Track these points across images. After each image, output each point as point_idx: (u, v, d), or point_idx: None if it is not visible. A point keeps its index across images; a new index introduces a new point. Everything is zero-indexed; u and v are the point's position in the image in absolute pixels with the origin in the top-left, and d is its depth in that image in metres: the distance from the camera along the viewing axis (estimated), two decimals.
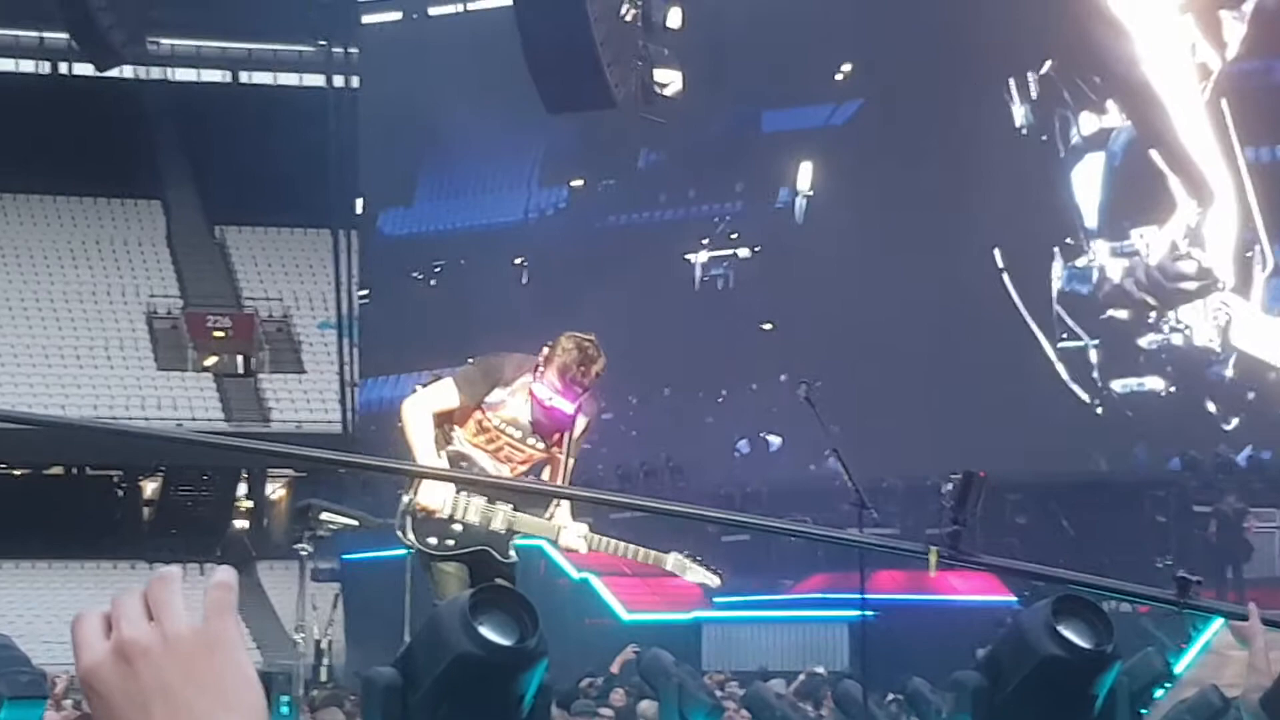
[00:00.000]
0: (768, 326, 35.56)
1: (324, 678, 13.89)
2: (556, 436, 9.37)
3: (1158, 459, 30.58)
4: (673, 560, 9.49)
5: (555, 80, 30.40)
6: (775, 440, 34.18)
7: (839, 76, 35.76)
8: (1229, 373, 30.63)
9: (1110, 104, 32.11)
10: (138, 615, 1.70)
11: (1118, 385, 31.65)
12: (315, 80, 45.09)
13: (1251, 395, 30.45)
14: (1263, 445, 29.69)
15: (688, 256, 37.48)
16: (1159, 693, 15.43)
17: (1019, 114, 32.86)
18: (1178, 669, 15.30)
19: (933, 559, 8.28)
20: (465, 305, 37.55)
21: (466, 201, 42.03)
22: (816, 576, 27.25)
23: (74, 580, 42.84)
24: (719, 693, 17.69)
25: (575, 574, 27.03)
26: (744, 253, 37.27)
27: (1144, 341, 31.32)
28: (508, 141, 38.50)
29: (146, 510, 50.05)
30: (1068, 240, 32.14)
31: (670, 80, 31.59)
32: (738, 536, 26.72)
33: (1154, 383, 31.32)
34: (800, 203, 35.97)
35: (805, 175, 35.90)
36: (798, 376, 31.37)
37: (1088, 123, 32.24)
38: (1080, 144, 32.33)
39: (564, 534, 9.31)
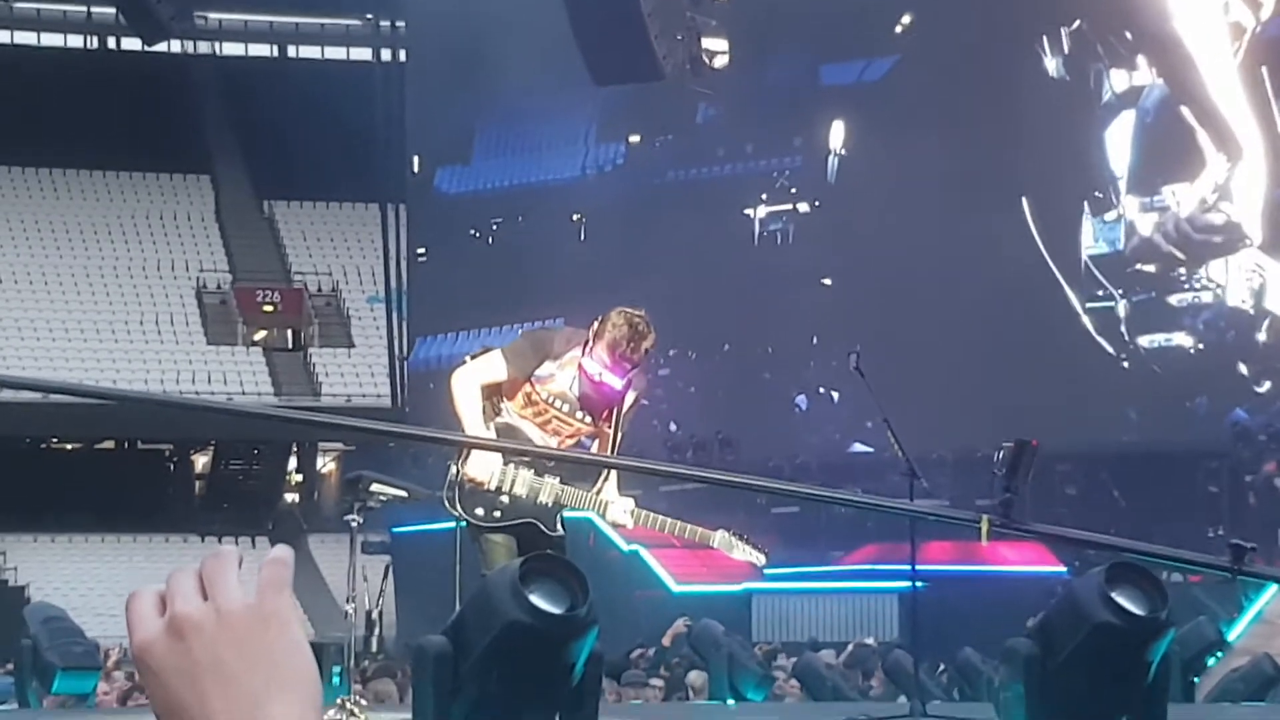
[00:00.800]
0: (827, 281, 35.51)
1: (375, 648, 13.93)
2: (605, 412, 9.35)
3: (1212, 415, 30.33)
4: (719, 538, 9.46)
5: (603, 53, 30.42)
6: (835, 395, 34.17)
7: (899, 29, 35.55)
8: (1262, 336, 30.34)
9: (1141, 60, 31.92)
10: (192, 591, 1.70)
11: (1145, 341, 31.41)
12: (362, 54, 45.14)
13: None
14: None
15: (746, 211, 37.27)
16: (1211, 661, 15.42)
17: (1052, 67, 32.67)
18: (1230, 637, 15.27)
19: (984, 528, 8.25)
20: (523, 262, 37.53)
21: (524, 159, 41.89)
22: (866, 547, 27.21)
23: (125, 554, 43.06)
24: (770, 663, 17.70)
25: (625, 545, 27.03)
26: (804, 207, 37.08)
27: (1174, 299, 31.07)
28: (564, 98, 38.31)
29: (198, 484, 50.24)
30: (1097, 194, 31.94)
31: (719, 50, 31.51)
32: (787, 508, 26.70)
33: (1182, 339, 31.06)
34: (832, 161, 35.86)
35: (837, 134, 35.75)
36: (854, 336, 31.46)
37: (1119, 80, 32.09)
38: (1113, 101, 32.13)
39: (610, 509, 9.29)
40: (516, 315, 32.32)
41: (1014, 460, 7.78)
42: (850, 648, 21.49)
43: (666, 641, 18.13)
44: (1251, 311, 30.48)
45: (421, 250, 42.53)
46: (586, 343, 9.17)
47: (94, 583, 41.03)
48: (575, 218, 39.76)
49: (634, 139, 39.91)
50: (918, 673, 12.88)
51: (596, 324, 9.15)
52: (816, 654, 19.20)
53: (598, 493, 9.31)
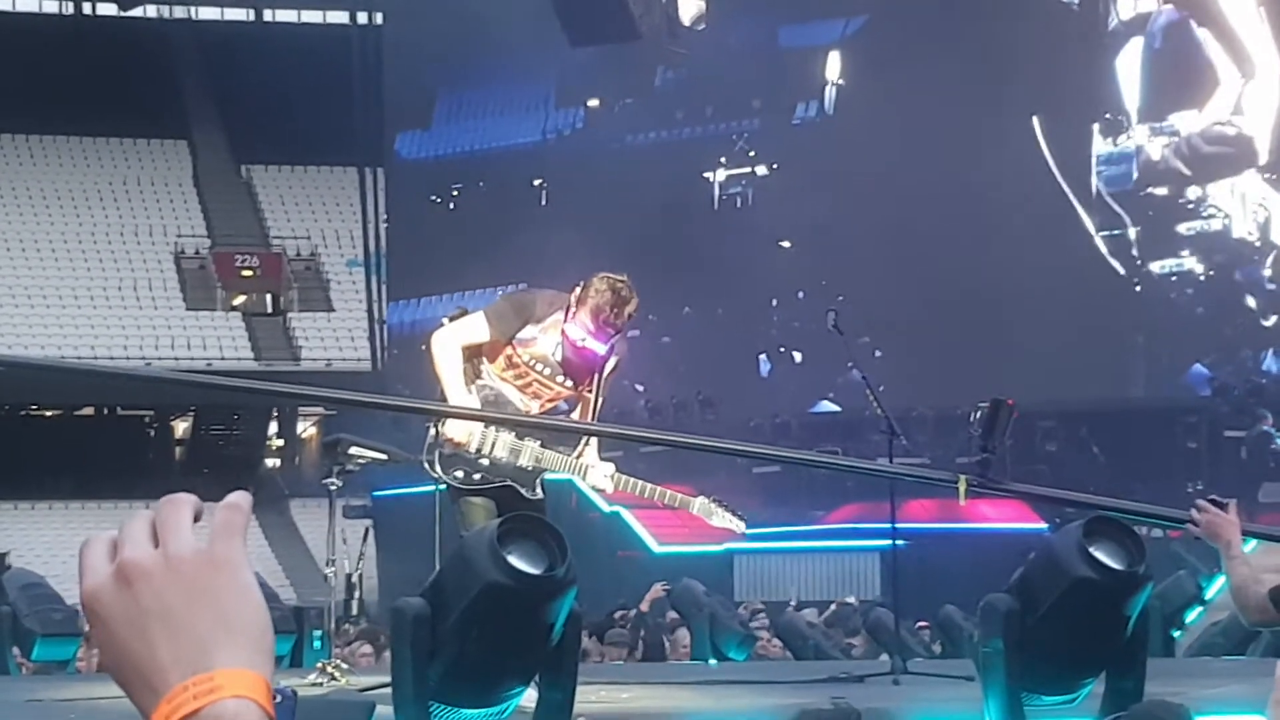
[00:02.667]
0: (786, 244, 35.10)
1: (355, 612, 13.91)
2: (587, 378, 9.35)
3: (1189, 358, 30.39)
4: (699, 504, 9.49)
5: (579, 14, 30.35)
6: (797, 355, 34.07)
7: None
8: (1268, 271, 30.23)
9: None
10: (143, 538, 1.69)
11: (1156, 267, 31.27)
12: (339, 17, 44.95)
13: None
14: None
15: (706, 175, 36.96)
16: (1191, 615, 15.47)
17: None
18: (1209, 593, 15.31)
19: (962, 487, 8.29)
20: (485, 228, 37.32)
21: (484, 123, 41.47)
22: (847, 506, 27.24)
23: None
24: (751, 622, 17.72)
25: (606, 507, 27.06)
26: (762, 170, 36.75)
27: (1182, 227, 30.82)
28: (522, 62, 38.20)
29: (178, 450, 50.23)
30: (1107, 115, 31.68)
31: (695, 10, 31.44)
32: (768, 468, 26.70)
33: (1192, 264, 30.92)
34: (830, 92, 35.44)
35: (834, 65, 35.35)
36: (820, 295, 31.32)
37: (1125, 7, 31.76)
38: (1120, 29, 31.83)
39: (591, 473, 9.30)
40: (480, 282, 32.14)
41: (990, 420, 7.82)
42: (833, 606, 21.54)
43: (644, 606, 18.15)
44: (1258, 243, 30.37)
45: (384, 216, 42.33)
46: (569, 308, 9.16)
47: (74, 549, 40.45)
48: (536, 183, 39.52)
49: (593, 103, 39.54)
50: (899, 630, 12.91)
51: (579, 289, 9.14)
52: (799, 613, 19.23)
53: (578, 456, 9.32)
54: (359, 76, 39.60)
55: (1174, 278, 31.19)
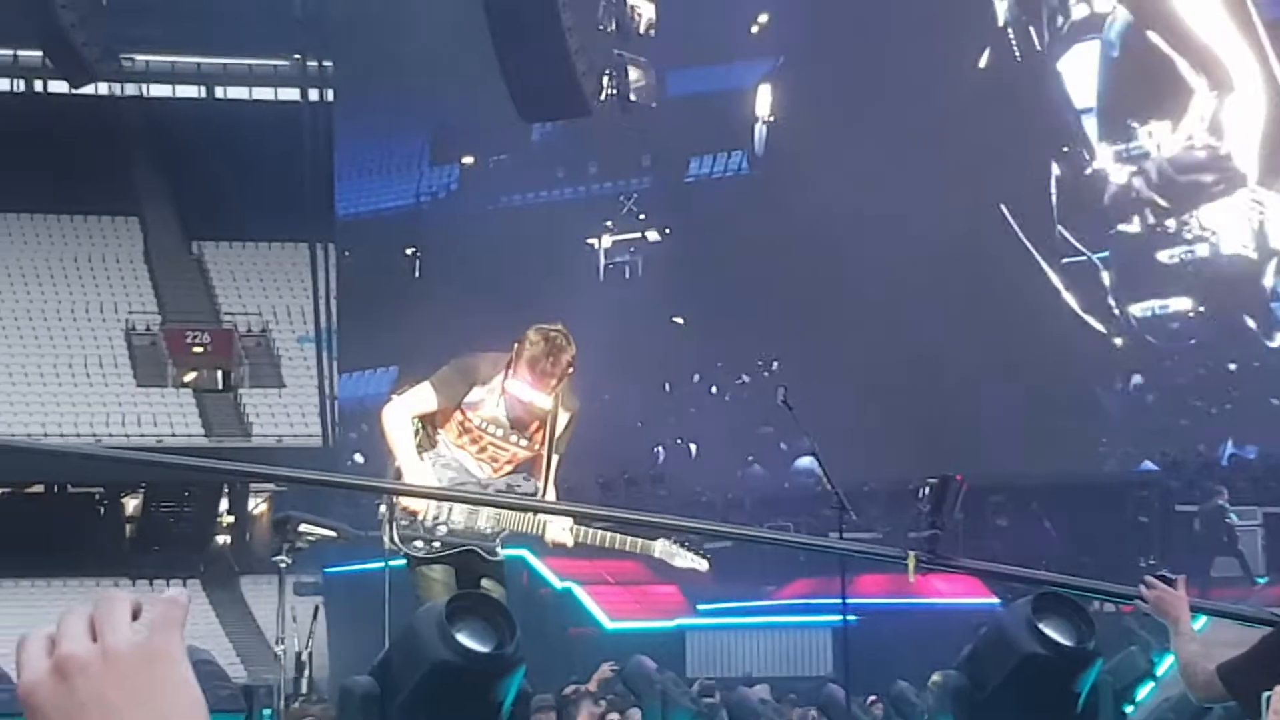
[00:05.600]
0: (679, 320, 31.93)
1: (305, 690, 13.83)
2: (539, 435, 9.34)
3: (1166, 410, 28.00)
4: (660, 546, 9.49)
5: (530, 89, 30.39)
6: (693, 447, 31.00)
7: (755, 29, 32.20)
8: (1268, 281, 27.80)
9: None
10: (80, 632, 1.70)
11: (1137, 310, 28.70)
12: (290, 94, 44.96)
13: None
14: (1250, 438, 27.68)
15: (590, 241, 33.74)
16: (1143, 691, 15.46)
17: (1001, 9, 29.86)
18: (1161, 668, 15.31)
19: (911, 564, 8.28)
20: (357, 302, 35.03)
21: (357, 184, 38.83)
22: (799, 582, 27.19)
23: (56, 598, 42.65)
24: (704, 698, 17.65)
25: (558, 583, 26.96)
26: (653, 235, 33.43)
27: (1163, 256, 28.36)
28: (396, 118, 35.71)
29: (128, 527, 49.87)
30: (1065, 149, 29.00)
31: (645, 84, 31.44)
32: (720, 543, 26.63)
33: (1180, 303, 28.36)
34: (759, 130, 31.96)
35: (764, 99, 31.88)
36: (718, 378, 29.80)
37: (1078, 10, 29.11)
38: (1070, 32, 29.13)
39: (550, 528, 9.31)
40: (357, 363, 30.27)
41: (939, 496, 7.82)
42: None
43: (592, 687, 18.06)
44: (1254, 256, 27.72)
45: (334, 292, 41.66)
46: (509, 364, 9.18)
47: (23, 627, 40.25)
48: (409, 251, 36.87)
49: (467, 160, 36.54)
50: (850, 706, 12.89)
51: (516, 344, 9.18)
52: (750, 689, 19.17)
53: (535, 513, 9.31)
54: (310, 153, 39.58)
55: (1159, 319, 28.49)
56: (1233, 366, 28.54)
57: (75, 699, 1.65)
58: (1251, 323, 28.12)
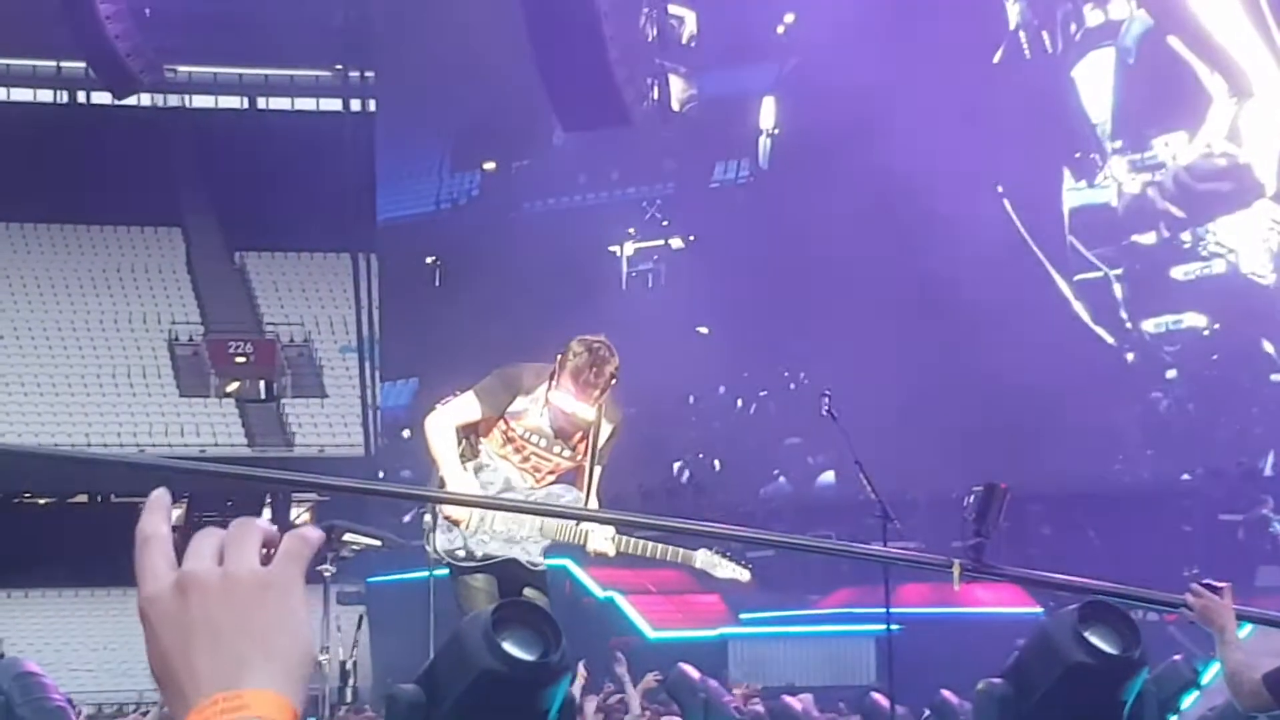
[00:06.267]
0: (704, 330, 30.95)
1: (349, 699, 13.88)
2: (582, 445, 9.36)
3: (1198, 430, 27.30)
4: (701, 557, 9.48)
5: (571, 98, 30.43)
6: (717, 464, 30.04)
7: (780, 29, 31.53)
8: None
9: None
10: (208, 553, 1.76)
11: (1150, 325, 28.07)
12: (332, 105, 45.13)
13: None
14: None
15: (612, 248, 32.83)
16: (1187, 700, 15.39)
17: (1014, 13, 29.16)
18: (1206, 677, 15.25)
19: (956, 572, 8.27)
20: (378, 312, 34.56)
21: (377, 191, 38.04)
22: (842, 591, 27.14)
23: (100, 609, 42.84)
24: (747, 705, 17.64)
25: (601, 592, 26.98)
26: (676, 243, 32.54)
27: (1178, 272, 27.64)
28: (418, 120, 35.02)
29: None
30: (1077, 155, 28.30)
31: (684, 92, 31.38)
32: (762, 551, 26.57)
33: (1194, 319, 27.74)
34: (764, 143, 31.16)
35: (769, 112, 31.04)
36: (743, 389, 29.03)
37: (1093, 17, 28.46)
38: (1083, 40, 28.35)
39: (591, 537, 9.32)
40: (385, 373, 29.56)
41: (984, 504, 7.81)
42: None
43: (638, 696, 18.07)
44: (1272, 279, 27.11)
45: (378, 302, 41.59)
46: (553, 375, 9.21)
47: (68, 638, 40.84)
48: (429, 260, 35.90)
49: (488, 166, 35.78)
50: (894, 716, 12.87)
51: (560, 356, 9.20)
52: (794, 698, 19.14)
53: (578, 522, 9.33)
54: (351, 163, 39.71)
55: (1172, 337, 27.90)
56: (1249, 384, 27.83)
57: (188, 615, 1.71)
58: (1269, 347, 27.58)
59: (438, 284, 35.36)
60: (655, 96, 31.35)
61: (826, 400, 12.34)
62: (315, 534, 1.79)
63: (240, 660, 1.69)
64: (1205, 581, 6.91)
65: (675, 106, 31.77)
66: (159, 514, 1.83)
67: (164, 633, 1.73)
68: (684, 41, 31.28)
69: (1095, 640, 7.36)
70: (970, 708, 10.78)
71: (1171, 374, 28.72)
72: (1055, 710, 7.48)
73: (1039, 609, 23.90)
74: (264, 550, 1.77)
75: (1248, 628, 9.95)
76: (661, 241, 32.73)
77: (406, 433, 30.92)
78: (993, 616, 24.68)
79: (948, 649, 21.62)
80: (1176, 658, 15.47)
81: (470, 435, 9.38)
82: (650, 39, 31.46)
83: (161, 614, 1.73)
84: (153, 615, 1.74)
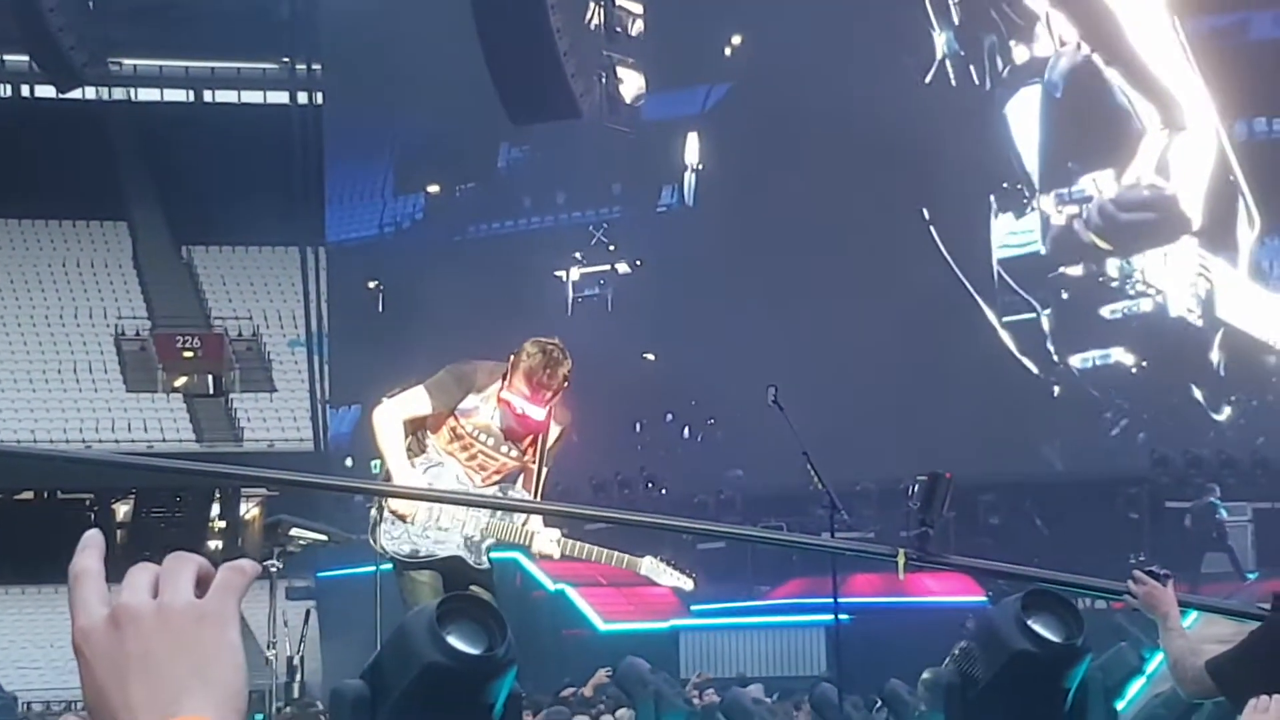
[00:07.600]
0: (650, 356, 30.62)
1: (296, 694, 13.84)
2: (530, 446, 9.34)
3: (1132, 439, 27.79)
4: (646, 564, 9.49)
5: (520, 91, 30.39)
6: (664, 490, 29.69)
7: (728, 51, 31.44)
8: (1214, 355, 27.64)
9: (1040, 30, 28.15)
10: (142, 586, 1.78)
11: (1076, 360, 28.34)
12: (279, 98, 44.96)
13: (1244, 379, 27.56)
14: (1257, 436, 27.21)
15: (558, 273, 32.33)
16: (1133, 687, 15.47)
17: (940, 43, 29.11)
18: (1152, 665, 15.31)
19: (900, 561, 8.29)
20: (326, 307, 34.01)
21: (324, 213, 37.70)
22: (792, 582, 27.19)
23: (47, 605, 42.62)
24: (697, 699, 17.66)
25: (551, 585, 26.97)
26: (623, 267, 32.08)
27: (1106, 311, 27.91)
28: (365, 118, 34.59)
29: (119, 533, 49.82)
30: (1004, 185, 28.32)
31: (635, 86, 31.38)
32: (713, 544, 26.65)
33: (1121, 355, 28.10)
34: (689, 179, 31.08)
35: (692, 148, 30.90)
36: (695, 412, 28.69)
37: (1019, 54, 28.48)
38: (1011, 77, 28.47)
39: (537, 539, 9.30)
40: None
41: (928, 493, 7.82)
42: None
43: (588, 692, 18.09)
44: (1200, 324, 27.56)
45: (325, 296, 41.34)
46: (505, 375, 9.18)
47: (14, 635, 40.64)
48: (372, 285, 35.50)
49: (433, 189, 35.30)
50: (843, 705, 12.90)
51: (513, 356, 9.17)
52: (744, 689, 19.18)
53: (524, 524, 9.31)
54: (299, 157, 39.58)
55: (1099, 372, 28.17)
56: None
57: (124, 648, 1.73)
58: (1199, 394, 27.84)
59: (380, 309, 34.93)
60: (605, 89, 31.36)
61: (773, 391, 12.36)
62: (251, 566, 1.81)
63: (175, 689, 1.70)
64: (1148, 569, 6.95)
65: (627, 99, 31.76)
66: (92, 551, 1.84)
67: (99, 666, 1.74)
68: (632, 35, 31.25)
69: (1038, 628, 7.39)
70: (916, 697, 10.81)
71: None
72: (1000, 697, 7.51)
73: (986, 598, 24.01)
74: (198, 583, 1.78)
75: (1192, 614, 10.01)
76: (608, 266, 32.37)
77: (349, 461, 30.54)
78: (942, 605, 24.76)
79: (897, 638, 21.69)
80: (1122, 645, 15.58)
81: (418, 430, 9.34)
82: (597, 29, 31.44)
83: (96, 647, 1.75)
84: (87, 649, 1.75)
